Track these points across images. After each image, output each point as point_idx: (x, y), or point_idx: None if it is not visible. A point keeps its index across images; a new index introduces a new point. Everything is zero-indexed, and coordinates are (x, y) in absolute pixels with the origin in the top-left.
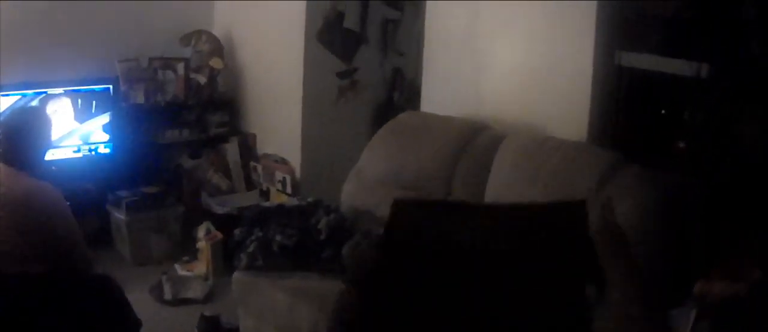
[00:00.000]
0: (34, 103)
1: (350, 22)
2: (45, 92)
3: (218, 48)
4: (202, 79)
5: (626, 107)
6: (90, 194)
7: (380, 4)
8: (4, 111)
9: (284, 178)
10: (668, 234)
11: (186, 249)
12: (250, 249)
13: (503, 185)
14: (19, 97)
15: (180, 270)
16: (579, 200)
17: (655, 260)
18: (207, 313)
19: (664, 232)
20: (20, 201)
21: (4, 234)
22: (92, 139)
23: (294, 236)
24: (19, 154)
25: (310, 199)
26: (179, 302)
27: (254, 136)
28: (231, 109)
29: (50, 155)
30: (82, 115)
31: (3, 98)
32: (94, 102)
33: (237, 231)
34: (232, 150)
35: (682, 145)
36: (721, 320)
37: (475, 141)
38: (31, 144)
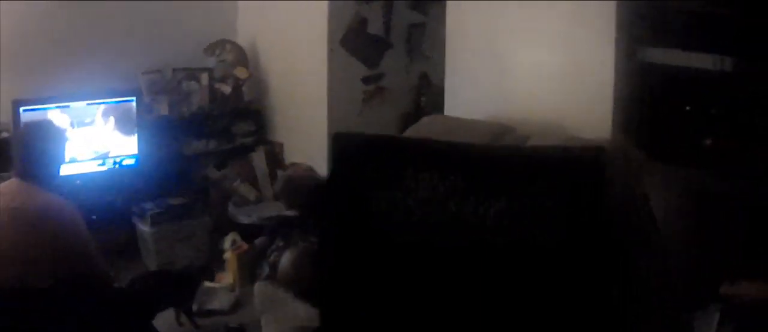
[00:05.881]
0: (49, 117)
1: (374, 27)
2: (67, 106)
3: (243, 57)
4: (227, 89)
5: (650, 104)
6: (116, 207)
7: (405, 8)
8: (19, 126)
9: None
10: (694, 234)
11: (213, 260)
12: (272, 258)
13: None
14: (41, 111)
15: (206, 282)
16: (593, 146)
17: (680, 261)
18: (232, 325)
19: (691, 232)
20: (33, 218)
21: (16, 250)
22: (117, 152)
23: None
24: (34, 169)
25: None
26: (205, 313)
27: (281, 144)
28: (257, 118)
29: (74, 169)
30: (106, 127)
31: (25, 113)
32: (117, 114)
33: (257, 241)
34: (259, 159)
35: (708, 141)
36: (747, 323)
37: (499, 143)
38: (45, 159)
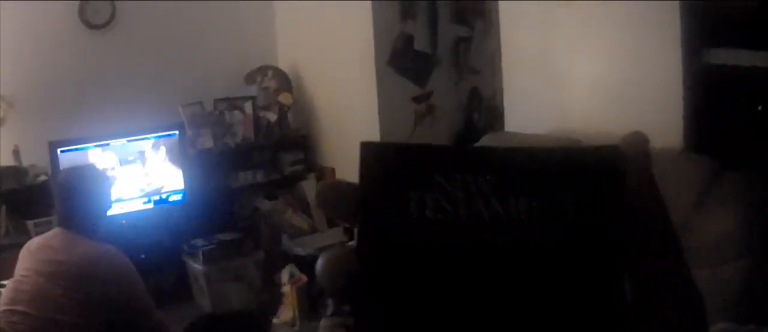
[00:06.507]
0: (90, 160)
1: (420, 44)
2: (107, 144)
3: (286, 83)
4: (272, 117)
5: (720, 108)
6: (164, 246)
7: (449, 22)
8: (60, 172)
9: None
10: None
11: (268, 295)
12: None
13: None
14: (79, 152)
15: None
16: (610, 144)
17: (762, 274)
18: None
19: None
20: (78, 271)
21: (63, 307)
22: (162, 189)
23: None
24: (77, 217)
25: None
26: None
27: (333, 170)
28: (305, 145)
29: (119, 208)
30: (150, 164)
31: (63, 155)
32: (160, 150)
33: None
34: (310, 187)
35: None
36: None
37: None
38: (88, 205)
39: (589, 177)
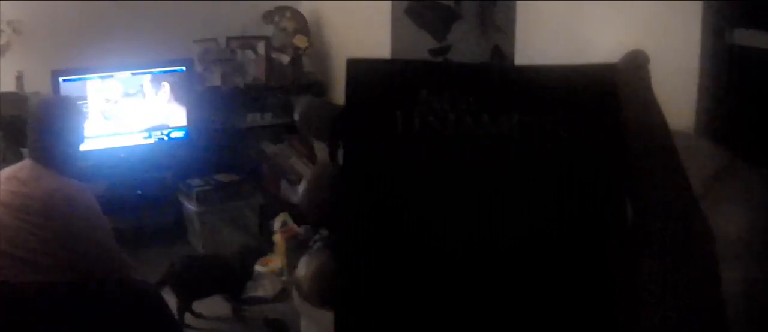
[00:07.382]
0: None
1: None
2: (111, 76)
3: (303, 25)
4: (285, 59)
5: (739, 93)
6: (163, 183)
7: None
8: (32, 102)
9: None
10: None
11: (265, 242)
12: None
13: None
14: (83, 81)
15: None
16: (606, 63)
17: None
18: (271, 316)
19: None
20: (40, 205)
21: (23, 241)
22: (164, 125)
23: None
24: (46, 150)
25: None
26: (247, 301)
27: None
28: (317, 90)
29: (118, 141)
30: (153, 99)
31: (65, 83)
32: (165, 85)
33: (301, 230)
34: None
35: None
36: None
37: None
38: (60, 139)
39: (582, 95)
